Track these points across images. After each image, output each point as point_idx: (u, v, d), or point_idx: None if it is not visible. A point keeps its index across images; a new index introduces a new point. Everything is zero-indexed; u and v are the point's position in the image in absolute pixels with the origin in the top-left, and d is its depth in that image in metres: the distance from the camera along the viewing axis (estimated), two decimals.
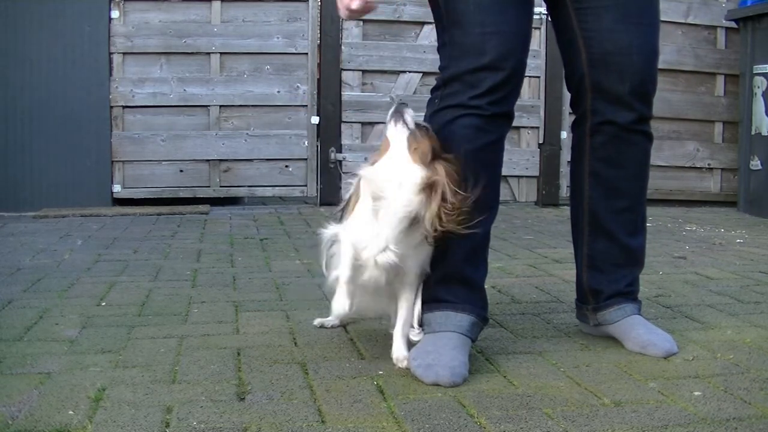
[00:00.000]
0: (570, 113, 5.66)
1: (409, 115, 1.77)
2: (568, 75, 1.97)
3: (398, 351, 1.85)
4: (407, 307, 1.86)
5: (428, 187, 1.70)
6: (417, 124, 1.78)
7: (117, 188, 4.96)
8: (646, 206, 2.05)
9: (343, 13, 1.86)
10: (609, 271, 2.01)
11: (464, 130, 1.81)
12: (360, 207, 1.77)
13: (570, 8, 1.89)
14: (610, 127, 1.92)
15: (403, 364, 1.81)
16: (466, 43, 1.81)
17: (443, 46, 1.87)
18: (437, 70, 1.90)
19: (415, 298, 1.87)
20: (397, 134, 1.76)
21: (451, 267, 1.84)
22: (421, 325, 1.89)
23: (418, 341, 1.85)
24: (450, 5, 1.82)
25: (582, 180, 2.01)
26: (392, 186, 1.71)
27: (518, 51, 1.84)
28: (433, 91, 1.91)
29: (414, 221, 1.72)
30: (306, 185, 5.15)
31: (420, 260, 1.82)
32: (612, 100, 1.90)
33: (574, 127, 2.02)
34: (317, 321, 2.18)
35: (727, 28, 5.45)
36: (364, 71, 5.16)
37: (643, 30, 1.88)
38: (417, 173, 1.71)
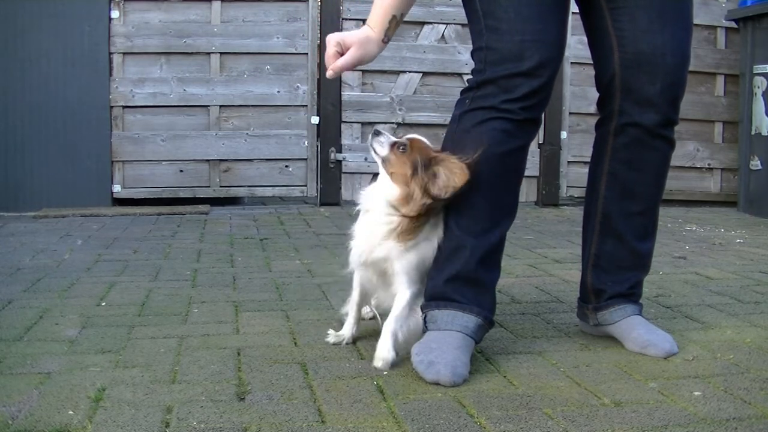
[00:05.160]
0: (570, 113, 5.69)
1: (378, 143, 1.89)
2: (598, 75, 1.96)
3: (382, 350, 1.81)
4: (402, 305, 1.86)
5: (404, 200, 1.83)
6: (394, 144, 1.88)
7: (117, 188, 4.96)
8: (658, 212, 2.05)
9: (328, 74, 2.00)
10: (614, 272, 2.01)
11: (493, 132, 1.82)
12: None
13: (604, 8, 1.88)
14: (635, 129, 1.92)
15: (379, 364, 1.80)
16: (504, 49, 1.80)
17: (479, 49, 1.86)
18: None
19: (408, 303, 1.87)
20: (377, 160, 1.91)
21: (466, 267, 1.85)
22: (425, 327, 1.89)
23: (423, 338, 1.84)
24: (489, 12, 1.82)
25: (599, 179, 2.01)
26: (373, 203, 1.89)
27: (556, 60, 1.84)
28: (464, 92, 1.91)
29: (393, 231, 1.84)
30: (306, 185, 5.16)
31: (408, 263, 1.86)
32: (641, 102, 1.89)
33: (598, 126, 2.02)
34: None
35: (727, 28, 5.45)
36: (363, 71, 5.14)
37: (678, 33, 1.87)
38: (390, 193, 1.85)
